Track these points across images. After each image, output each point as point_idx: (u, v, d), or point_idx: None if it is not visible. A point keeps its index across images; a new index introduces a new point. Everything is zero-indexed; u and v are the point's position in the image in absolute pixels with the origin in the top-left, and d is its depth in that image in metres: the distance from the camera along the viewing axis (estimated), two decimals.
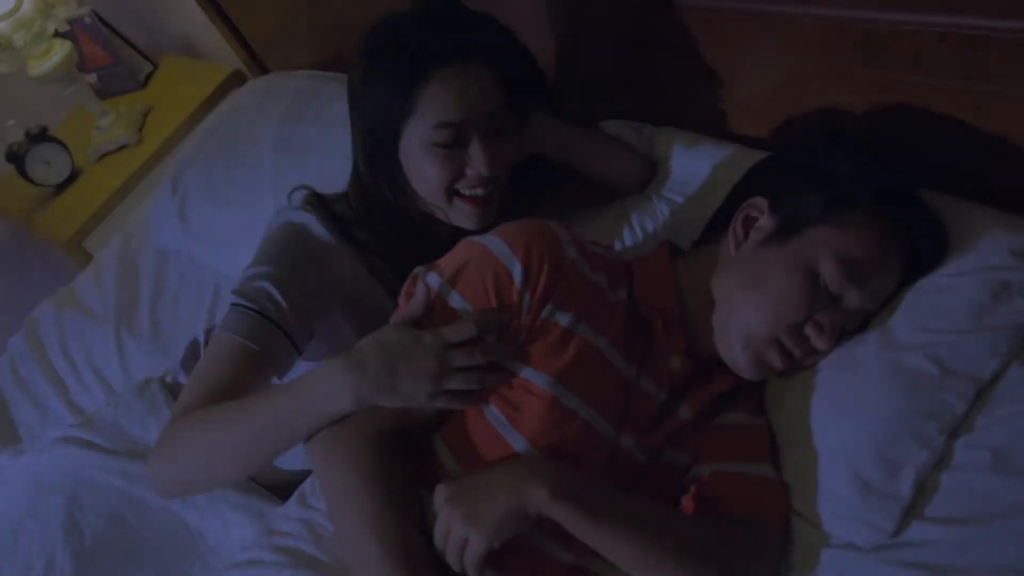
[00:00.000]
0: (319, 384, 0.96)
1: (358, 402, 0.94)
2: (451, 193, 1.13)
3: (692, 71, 1.30)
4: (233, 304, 1.09)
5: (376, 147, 1.13)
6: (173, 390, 1.41)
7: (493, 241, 0.99)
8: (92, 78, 2.43)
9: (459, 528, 0.88)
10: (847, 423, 0.95)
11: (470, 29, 1.10)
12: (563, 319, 0.98)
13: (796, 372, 1.03)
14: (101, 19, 2.35)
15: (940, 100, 1.05)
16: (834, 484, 0.94)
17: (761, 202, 1.02)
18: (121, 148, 2.33)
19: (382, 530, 0.91)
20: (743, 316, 0.99)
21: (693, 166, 1.30)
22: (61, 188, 2.30)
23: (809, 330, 0.97)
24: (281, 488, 1.31)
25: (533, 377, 0.96)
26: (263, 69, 2.34)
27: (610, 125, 1.40)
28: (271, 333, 1.07)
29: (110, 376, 1.71)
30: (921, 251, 1.00)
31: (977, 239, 1.00)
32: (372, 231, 1.18)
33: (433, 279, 1.00)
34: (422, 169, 1.11)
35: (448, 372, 0.93)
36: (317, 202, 1.20)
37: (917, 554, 0.89)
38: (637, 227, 1.31)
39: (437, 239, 1.19)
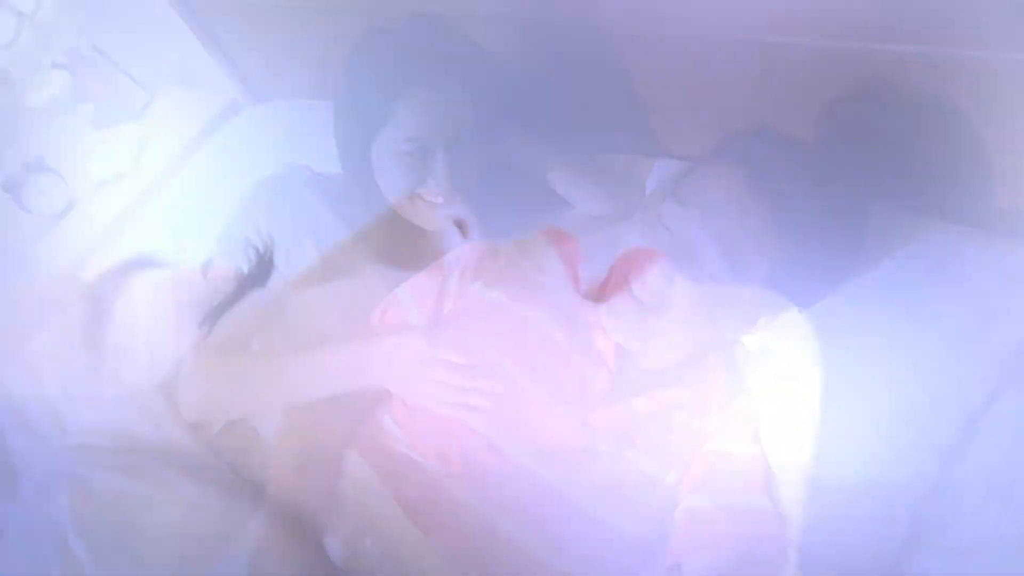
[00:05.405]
0: None
1: None
2: (412, 195, 1.19)
3: (679, 102, 1.31)
4: None
5: (350, 146, 1.19)
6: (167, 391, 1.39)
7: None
8: (90, 109, 2.44)
9: None
10: (842, 454, 0.95)
11: (457, 55, 1.15)
12: (491, 292, 1.00)
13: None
14: (99, 51, 2.37)
15: (910, 123, 1.07)
16: (832, 515, 0.93)
17: None
18: (119, 178, 2.33)
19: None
20: None
21: None
22: (58, 218, 2.30)
23: None
24: None
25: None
26: (259, 99, 2.34)
27: (602, 159, 1.40)
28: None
29: None
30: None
31: (964, 263, 1.00)
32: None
33: None
34: (389, 173, 1.17)
35: None
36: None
37: None
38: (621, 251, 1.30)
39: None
